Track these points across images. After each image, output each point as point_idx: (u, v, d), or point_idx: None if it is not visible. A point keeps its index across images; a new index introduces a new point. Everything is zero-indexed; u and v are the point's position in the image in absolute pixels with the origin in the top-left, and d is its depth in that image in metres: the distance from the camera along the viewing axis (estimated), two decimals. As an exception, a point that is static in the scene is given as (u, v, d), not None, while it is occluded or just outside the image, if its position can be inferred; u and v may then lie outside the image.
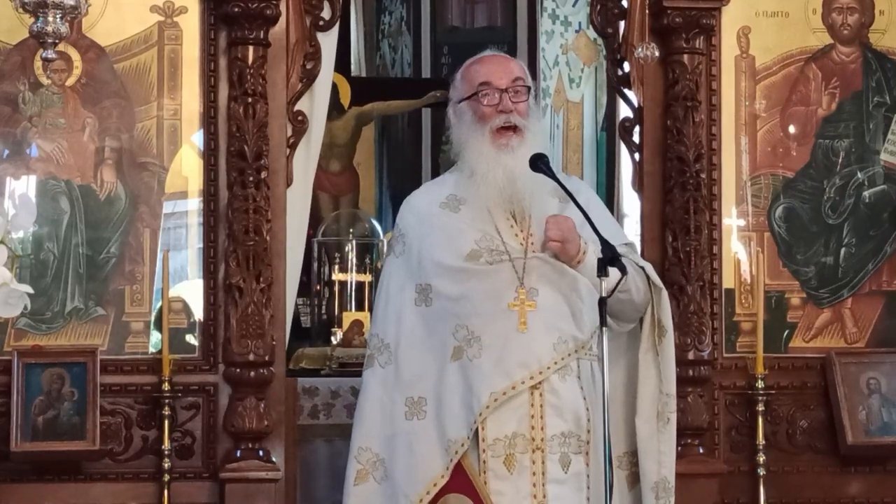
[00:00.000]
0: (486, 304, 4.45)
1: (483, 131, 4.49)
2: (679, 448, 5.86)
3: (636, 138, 6.12)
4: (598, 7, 6.09)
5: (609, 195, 9.56)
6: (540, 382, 4.43)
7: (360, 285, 8.75)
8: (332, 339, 8.21)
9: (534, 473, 4.43)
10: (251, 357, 5.71)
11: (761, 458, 5.93)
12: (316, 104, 6.02)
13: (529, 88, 4.57)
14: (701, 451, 5.92)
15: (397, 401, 4.51)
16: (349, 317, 8.37)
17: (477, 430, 4.40)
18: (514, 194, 4.48)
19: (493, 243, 4.49)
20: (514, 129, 4.49)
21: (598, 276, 4.26)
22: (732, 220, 6.11)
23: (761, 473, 5.93)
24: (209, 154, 5.84)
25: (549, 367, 4.43)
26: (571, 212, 4.47)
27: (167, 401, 5.69)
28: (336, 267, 8.88)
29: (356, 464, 4.54)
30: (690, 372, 5.87)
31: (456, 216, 4.55)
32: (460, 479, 4.42)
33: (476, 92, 4.51)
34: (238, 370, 5.73)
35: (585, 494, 4.48)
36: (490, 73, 4.55)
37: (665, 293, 4.65)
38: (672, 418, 4.65)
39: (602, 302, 4.24)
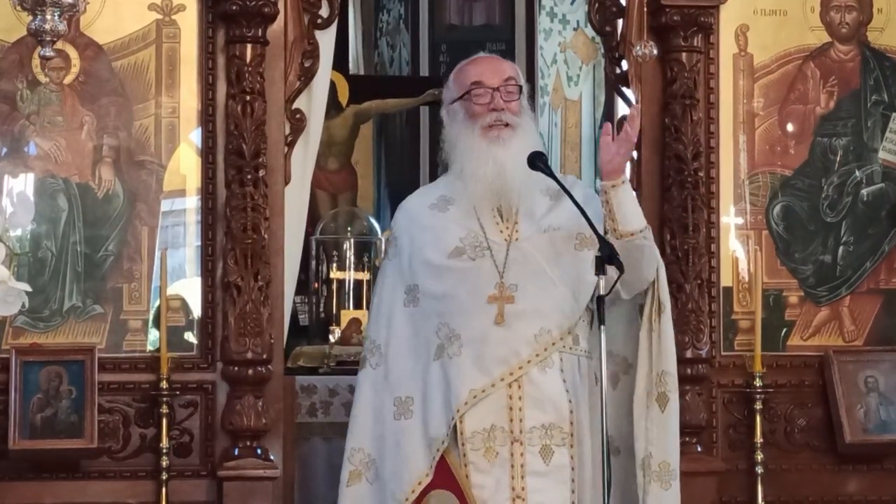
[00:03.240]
0: (467, 301, 4.47)
1: (473, 128, 4.50)
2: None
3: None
4: (597, 5, 6.09)
5: (607, 193, 9.54)
6: (519, 377, 4.44)
7: (358, 283, 8.75)
8: (331, 337, 8.20)
9: (513, 466, 4.43)
10: (249, 355, 5.71)
11: (759, 457, 5.93)
12: (314, 102, 6.02)
13: (521, 88, 4.57)
14: (699, 449, 5.92)
15: (386, 401, 4.55)
16: (347, 315, 8.37)
17: (455, 424, 4.42)
18: (502, 188, 4.48)
19: (476, 240, 4.51)
20: (505, 125, 4.49)
21: (596, 274, 4.26)
22: (730, 219, 6.11)
23: (759, 472, 5.93)
24: (207, 152, 5.84)
25: (529, 361, 4.44)
26: (562, 209, 4.48)
27: (165, 399, 5.69)
28: (334, 265, 8.87)
29: (349, 465, 4.59)
30: (688, 370, 5.87)
31: (443, 215, 4.58)
32: (444, 475, 4.44)
33: (468, 91, 4.52)
34: (236, 368, 5.73)
35: (570, 488, 4.47)
36: (482, 72, 4.56)
37: (664, 269, 4.62)
38: (673, 397, 4.60)
39: (600, 300, 4.24)
